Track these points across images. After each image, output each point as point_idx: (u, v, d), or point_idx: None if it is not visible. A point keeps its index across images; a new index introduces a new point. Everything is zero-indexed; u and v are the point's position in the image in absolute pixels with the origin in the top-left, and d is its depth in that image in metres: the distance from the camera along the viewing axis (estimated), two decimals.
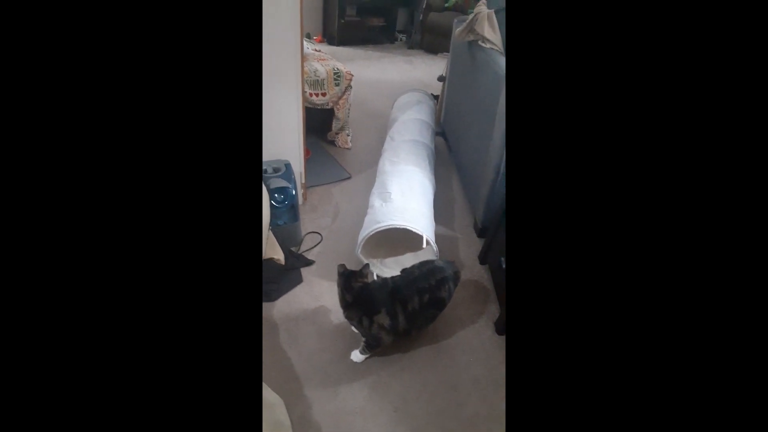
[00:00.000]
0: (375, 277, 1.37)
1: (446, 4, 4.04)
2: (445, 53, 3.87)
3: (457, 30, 1.71)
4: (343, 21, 3.86)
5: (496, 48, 1.48)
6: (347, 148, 2.13)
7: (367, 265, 1.09)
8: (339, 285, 1.07)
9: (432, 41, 4.01)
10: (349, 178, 1.90)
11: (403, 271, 1.15)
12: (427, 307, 1.09)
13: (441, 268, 1.13)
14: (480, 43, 1.53)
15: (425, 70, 3.55)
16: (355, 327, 1.10)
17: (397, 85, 3.07)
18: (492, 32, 1.49)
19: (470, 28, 1.59)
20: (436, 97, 2.51)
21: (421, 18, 4.06)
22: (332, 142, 2.15)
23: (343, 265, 1.08)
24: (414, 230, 1.24)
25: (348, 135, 2.15)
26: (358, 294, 1.04)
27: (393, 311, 1.04)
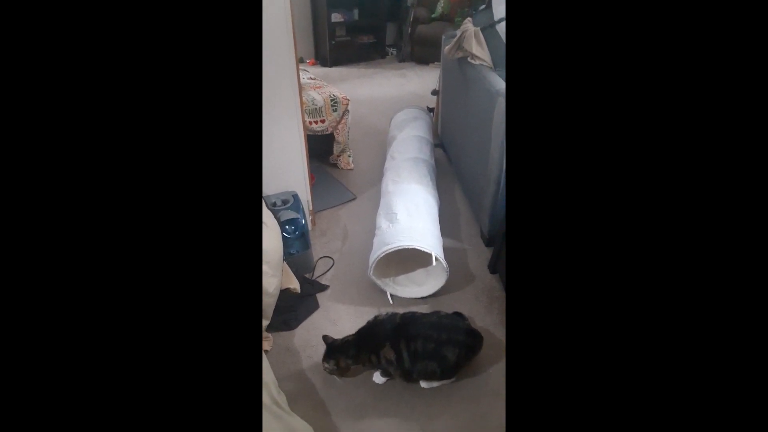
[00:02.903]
0: (389, 296, 1.41)
1: (433, 15, 4.12)
2: (436, 62, 3.94)
3: (446, 48, 1.77)
4: (333, 42, 3.95)
5: (485, 64, 1.53)
6: (350, 169, 2.18)
7: (325, 336, 1.12)
8: (342, 360, 1.08)
9: (422, 52, 4.08)
10: (354, 198, 1.95)
11: (431, 313, 1.16)
12: (429, 356, 1.03)
13: (461, 331, 1.09)
14: (469, 59, 1.58)
15: (418, 82, 3.61)
16: (369, 367, 1.12)
17: (393, 100, 3.13)
18: (480, 49, 1.54)
19: (459, 46, 1.64)
20: (431, 110, 2.57)
21: (409, 31, 4.14)
22: (335, 165, 2.20)
23: (325, 361, 1.10)
24: (422, 249, 1.28)
25: (349, 156, 2.20)
26: (357, 341, 1.08)
27: (397, 346, 1.04)
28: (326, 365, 1.10)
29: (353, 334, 1.12)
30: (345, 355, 1.08)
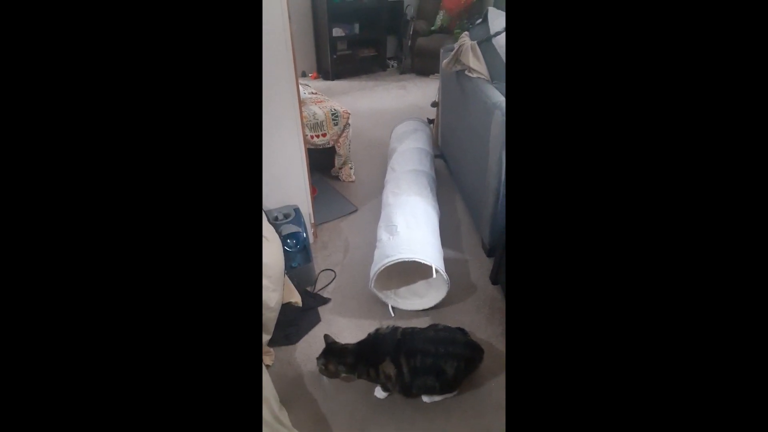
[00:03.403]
0: (390, 309, 1.41)
1: (432, 28, 4.18)
2: (436, 74, 3.99)
3: (444, 61, 1.80)
4: (335, 56, 4.02)
5: (482, 77, 1.55)
6: (351, 181, 2.20)
7: (326, 335, 1.14)
8: (335, 364, 1.09)
9: (422, 64, 4.14)
10: (355, 210, 1.96)
11: (428, 328, 1.16)
12: (427, 371, 1.03)
13: (459, 344, 1.09)
14: (467, 73, 1.61)
15: (418, 94, 3.66)
16: (366, 379, 1.11)
17: (394, 112, 3.17)
18: (477, 62, 1.56)
19: (456, 59, 1.67)
20: (431, 121, 2.59)
21: (409, 44, 4.21)
22: (336, 177, 2.22)
23: (319, 359, 1.12)
24: (422, 261, 1.29)
25: (351, 168, 2.22)
26: (356, 352, 1.09)
27: (398, 362, 1.04)
28: (318, 362, 1.11)
29: (354, 344, 1.12)
30: (339, 361, 1.09)
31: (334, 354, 1.10)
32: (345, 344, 1.12)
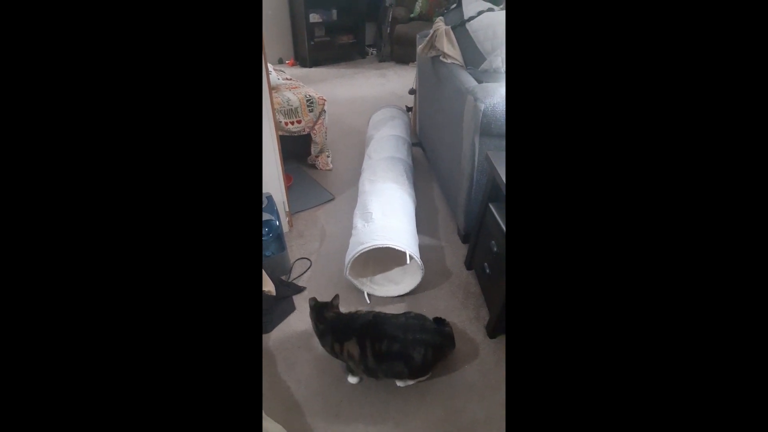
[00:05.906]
0: (366, 296, 1.41)
1: (411, 15, 4.14)
2: (415, 62, 3.96)
3: (420, 46, 1.78)
4: (312, 42, 3.93)
5: (456, 62, 1.54)
6: (328, 170, 2.18)
7: (337, 296, 1.15)
8: (311, 318, 1.13)
9: (402, 52, 4.10)
10: (332, 199, 1.94)
11: (401, 315, 1.15)
12: (394, 357, 1.03)
13: (429, 331, 1.07)
14: (441, 58, 1.59)
15: (398, 82, 3.63)
16: (329, 353, 1.12)
17: (372, 100, 3.13)
18: (451, 47, 1.55)
19: (431, 45, 1.65)
20: (410, 109, 2.58)
21: (389, 31, 4.15)
22: (313, 166, 2.19)
23: (313, 298, 1.16)
24: (396, 247, 1.28)
25: (328, 156, 2.19)
26: (331, 322, 1.10)
27: (363, 343, 1.04)
28: (309, 301, 1.17)
29: (335, 314, 1.12)
30: (315, 319, 1.11)
31: (317, 311, 1.12)
32: (328, 311, 1.12)
